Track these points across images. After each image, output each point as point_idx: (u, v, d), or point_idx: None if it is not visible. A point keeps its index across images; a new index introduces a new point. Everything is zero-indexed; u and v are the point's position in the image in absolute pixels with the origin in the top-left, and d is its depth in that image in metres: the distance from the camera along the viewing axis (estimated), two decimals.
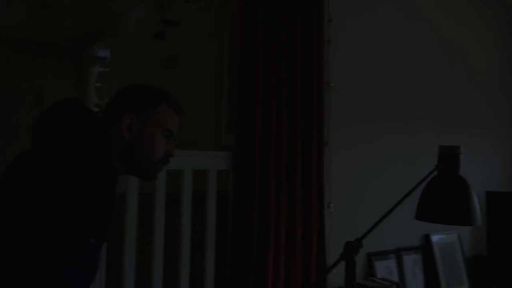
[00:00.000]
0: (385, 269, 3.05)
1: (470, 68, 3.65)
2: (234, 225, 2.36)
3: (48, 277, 1.04)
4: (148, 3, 4.74)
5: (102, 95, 5.55)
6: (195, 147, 3.69)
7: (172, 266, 2.34)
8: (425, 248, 3.30)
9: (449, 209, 1.22)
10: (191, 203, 2.27)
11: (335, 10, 2.77)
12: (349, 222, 2.75)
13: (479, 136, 3.63)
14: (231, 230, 2.37)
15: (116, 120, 1.33)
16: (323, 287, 2.53)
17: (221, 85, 3.59)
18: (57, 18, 5.41)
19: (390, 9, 3.16)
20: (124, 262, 2.10)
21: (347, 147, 2.89)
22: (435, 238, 3.34)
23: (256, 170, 2.35)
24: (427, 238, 3.33)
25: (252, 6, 2.44)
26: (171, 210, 2.33)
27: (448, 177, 1.26)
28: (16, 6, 5.07)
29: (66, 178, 1.11)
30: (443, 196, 1.23)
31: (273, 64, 2.46)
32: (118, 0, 4.82)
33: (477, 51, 3.68)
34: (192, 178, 2.31)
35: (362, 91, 2.99)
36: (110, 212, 1.22)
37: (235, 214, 2.36)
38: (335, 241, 2.69)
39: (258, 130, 2.38)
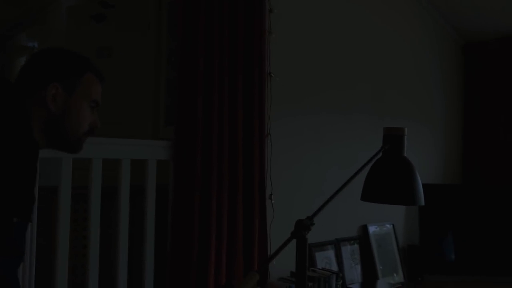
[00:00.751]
0: (325, 259, 3.08)
1: (409, 63, 3.78)
2: (174, 217, 2.29)
3: None
4: None
5: None
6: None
7: (108, 261, 2.23)
8: (362, 238, 3.38)
9: (394, 189, 1.23)
10: (128, 195, 2.17)
11: (276, 1, 2.76)
12: (289, 212, 2.75)
13: (413, 129, 3.76)
14: (171, 222, 2.29)
15: (35, 89, 1.21)
16: (265, 276, 2.51)
17: (159, 76, 3.48)
18: None
19: None
20: (57, 259, 1.97)
21: (288, 138, 2.90)
22: (371, 228, 3.43)
23: (197, 161, 2.29)
24: (364, 228, 3.41)
25: None
26: (107, 204, 2.21)
27: (393, 158, 1.27)
28: None
29: None
30: (388, 177, 1.25)
31: (214, 54, 2.41)
32: None
33: (414, 46, 3.82)
34: (129, 172, 2.21)
35: (302, 82, 3.01)
36: (32, 189, 1.14)
37: (175, 205, 2.29)
38: (276, 232, 2.69)
39: (199, 120, 2.32)
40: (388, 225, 3.57)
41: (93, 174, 2.05)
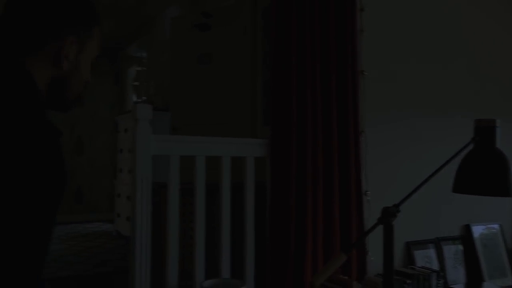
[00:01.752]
0: (425, 258, 3.03)
1: (507, 62, 3.57)
2: (272, 212, 2.41)
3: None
4: (182, 2, 4.85)
5: (140, 93, 5.69)
6: None
7: (213, 252, 2.41)
8: (466, 238, 3.25)
9: (487, 179, 1.23)
10: (229, 190, 2.33)
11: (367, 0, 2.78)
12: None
13: None
14: (269, 216, 2.42)
15: (40, 43, 0.97)
16: (363, 271, 2.54)
17: (256, 79, 3.64)
18: None
19: None
20: (168, 249, 2.18)
21: (382, 135, 2.90)
22: (476, 229, 3.29)
23: (292, 158, 2.39)
24: (467, 228, 3.29)
25: None
26: (210, 199, 2.40)
27: (485, 149, 1.27)
28: None
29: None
30: (480, 168, 1.24)
31: (306, 54, 2.49)
32: (153, 0, 4.95)
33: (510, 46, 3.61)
34: (230, 168, 2.37)
35: (396, 79, 2.99)
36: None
37: (272, 200, 2.41)
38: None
39: (293, 119, 2.42)
40: (494, 226, 3.40)
41: (197, 170, 2.23)
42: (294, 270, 2.40)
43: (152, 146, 2.09)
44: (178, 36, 4.27)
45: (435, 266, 3.03)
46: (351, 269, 2.51)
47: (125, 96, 6.57)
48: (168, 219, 2.17)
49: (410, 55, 3.06)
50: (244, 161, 2.40)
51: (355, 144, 2.62)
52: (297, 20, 2.50)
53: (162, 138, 2.16)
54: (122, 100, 6.64)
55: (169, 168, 2.16)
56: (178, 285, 2.22)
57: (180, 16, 4.39)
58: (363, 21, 2.77)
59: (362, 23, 2.77)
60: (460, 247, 3.22)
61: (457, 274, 3.16)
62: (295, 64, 2.46)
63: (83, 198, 6.49)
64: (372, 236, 2.67)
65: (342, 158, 2.58)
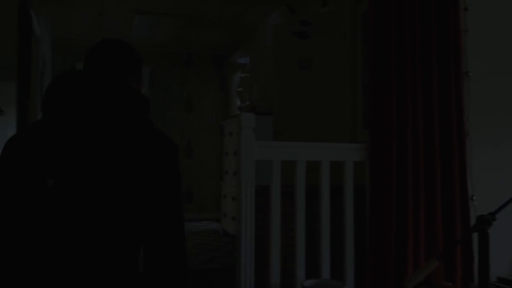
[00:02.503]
0: None
1: None
2: (371, 215, 2.44)
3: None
4: (282, 10, 5.00)
5: (243, 98, 5.95)
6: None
7: (313, 252, 2.50)
8: None
9: None
10: (329, 193, 2.40)
11: None
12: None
13: None
14: (369, 219, 2.45)
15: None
16: (469, 278, 2.47)
17: (356, 82, 3.67)
18: (202, 31, 5.96)
19: None
20: (270, 249, 2.31)
21: (490, 138, 2.78)
22: None
23: (392, 161, 2.40)
24: None
25: (384, 0, 2.51)
26: (311, 201, 2.49)
27: None
28: (167, 23, 5.72)
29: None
30: None
31: (406, 56, 2.49)
32: (255, 9, 5.16)
33: None
34: (329, 172, 2.44)
35: (503, 80, 2.85)
36: None
37: (372, 204, 2.44)
38: None
39: (393, 122, 2.43)
40: None
41: (298, 174, 2.34)
42: (395, 272, 2.41)
43: (255, 152, 2.24)
44: (279, 43, 4.42)
45: None
46: (455, 275, 2.46)
47: (230, 101, 6.90)
48: (271, 220, 2.30)
49: None
50: (343, 165, 2.46)
51: (460, 148, 2.55)
52: (396, 21, 2.50)
53: (264, 144, 2.30)
54: (227, 105, 6.97)
55: (271, 172, 2.29)
56: (280, 284, 2.35)
57: (281, 24, 4.54)
58: (467, 20, 2.69)
59: (466, 23, 2.68)
60: None
61: None
62: (394, 67, 2.46)
63: (192, 198, 6.92)
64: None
65: (444, 161, 2.53)
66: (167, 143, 1.31)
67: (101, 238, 1.20)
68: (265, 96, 5.26)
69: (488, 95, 2.79)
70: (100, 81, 1.28)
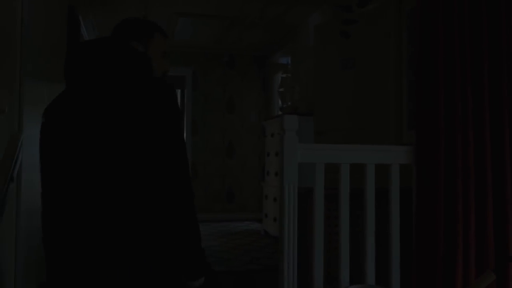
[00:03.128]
0: None
1: None
2: (418, 219, 2.38)
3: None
4: (324, 10, 4.95)
5: (284, 99, 5.93)
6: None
7: (358, 256, 2.46)
8: None
9: None
10: (374, 196, 2.36)
11: None
12: None
13: None
14: (415, 223, 2.39)
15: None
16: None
17: (401, 82, 3.58)
18: (244, 32, 5.98)
19: None
20: (313, 252, 2.29)
21: None
22: None
23: (440, 164, 2.33)
24: None
25: None
26: (355, 203, 2.45)
27: None
28: (210, 24, 5.77)
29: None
30: None
31: (455, 54, 2.40)
32: (296, 9, 5.13)
33: None
34: (374, 175, 2.40)
35: None
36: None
37: (419, 207, 2.38)
38: None
39: (440, 123, 2.35)
40: None
41: (342, 177, 2.30)
42: (443, 280, 2.33)
43: (299, 154, 2.22)
44: (321, 42, 4.37)
45: None
46: None
47: (271, 101, 6.89)
48: (314, 223, 2.28)
49: None
50: (388, 168, 2.40)
51: None
52: (444, 19, 2.42)
53: (307, 146, 2.28)
54: (269, 105, 6.97)
55: (314, 174, 2.27)
56: None
57: (323, 23, 4.49)
58: None
59: None
60: None
61: None
62: (442, 65, 2.39)
63: (234, 198, 6.97)
64: None
65: (496, 164, 2.42)
66: (161, 87, 1.49)
67: (116, 179, 1.40)
68: (306, 96, 5.23)
69: None
70: (102, 47, 1.54)
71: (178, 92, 6.82)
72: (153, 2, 4.95)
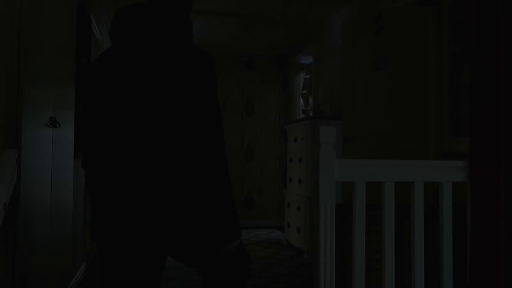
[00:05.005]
0: None
1: None
2: (474, 244, 2.05)
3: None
4: (353, 5, 4.62)
5: (308, 101, 5.61)
6: (409, 153, 3.43)
7: (402, 283, 2.14)
8: None
9: None
10: (422, 218, 2.04)
11: None
12: None
13: None
14: (471, 245, 2.06)
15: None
16: None
17: (440, 84, 3.25)
18: (264, 30, 5.68)
19: None
20: (354, 282, 1.98)
21: None
22: None
23: (500, 179, 2.00)
24: None
25: None
26: (398, 224, 2.13)
27: None
28: (229, 23, 5.48)
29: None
30: None
31: None
32: (320, 6, 4.81)
33: None
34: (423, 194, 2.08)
35: None
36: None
37: (474, 231, 2.05)
38: None
39: (500, 132, 2.03)
40: None
41: (386, 198, 1.99)
42: None
43: (336, 172, 1.92)
44: (350, 41, 4.05)
45: None
46: None
47: (292, 103, 6.58)
48: (354, 251, 1.97)
49: None
50: (439, 187, 2.08)
51: None
52: (505, 8, 2.08)
53: (346, 163, 1.97)
54: (290, 107, 6.66)
55: (353, 195, 1.96)
56: None
57: (351, 20, 4.16)
58: None
59: None
60: None
61: None
62: (503, 64, 2.05)
63: (253, 204, 6.68)
64: None
65: None
66: (204, 54, 1.62)
67: (149, 131, 1.49)
68: (331, 98, 4.90)
69: None
70: (152, 12, 1.62)
71: None
72: None
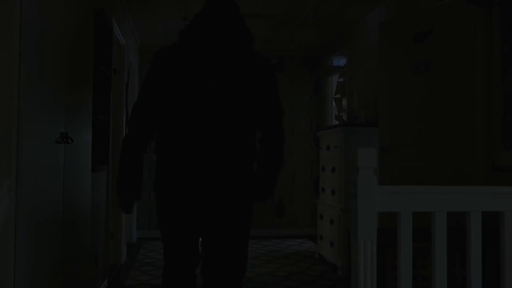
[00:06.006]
0: None
1: None
2: None
3: None
4: (389, 4, 4.30)
5: (341, 106, 5.31)
6: (454, 166, 3.10)
7: None
8: None
9: None
10: (480, 253, 1.74)
11: None
12: None
13: None
14: None
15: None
16: None
17: (491, 90, 2.91)
18: (295, 32, 5.40)
19: None
20: None
21: None
22: None
23: None
24: None
25: None
26: (449, 256, 1.83)
27: None
28: (257, 24, 5.23)
29: None
30: None
31: None
32: (354, 5, 4.51)
33: None
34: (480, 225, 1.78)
35: None
36: None
37: None
38: None
39: None
40: None
41: (436, 229, 1.70)
42: None
43: (377, 201, 1.64)
44: (387, 43, 3.74)
45: None
46: None
47: (324, 107, 6.28)
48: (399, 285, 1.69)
49: None
50: (500, 216, 1.77)
51: None
52: None
53: (390, 190, 1.68)
54: (322, 111, 6.36)
55: (398, 227, 1.68)
56: None
57: (389, 20, 3.85)
58: None
59: None
60: None
61: None
62: None
63: (284, 212, 6.41)
64: None
65: None
66: (267, 62, 2.11)
67: (230, 115, 1.96)
68: (367, 104, 4.59)
69: None
70: (225, 21, 2.00)
71: None
72: (194, 1, 4.46)
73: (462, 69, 3.13)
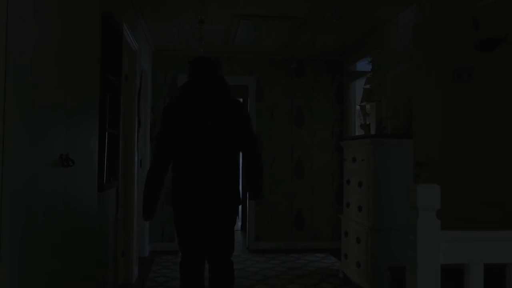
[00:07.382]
0: None
1: None
2: None
3: None
4: (420, 4, 3.95)
5: (367, 115, 4.96)
6: (499, 187, 2.75)
7: None
8: None
9: None
10: None
11: None
12: None
13: None
14: None
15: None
16: None
17: None
18: (316, 34, 5.08)
19: None
20: None
21: None
22: None
23: None
24: None
25: None
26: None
27: None
28: (276, 27, 4.92)
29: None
30: None
31: None
32: (382, 6, 4.17)
33: None
34: None
35: None
36: None
37: None
38: None
39: None
40: None
41: (471, 284, 1.36)
42: None
43: (441, 250, 1.31)
44: (422, 47, 3.40)
45: None
46: None
47: (348, 115, 5.94)
48: None
49: None
50: None
51: None
52: None
53: (455, 237, 1.35)
54: (345, 119, 6.02)
55: (466, 283, 1.35)
56: None
57: (424, 22, 3.51)
58: None
59: None
60: None
61: None
62: None
63: (304, 224, 6.08)
64: None
65: None
66: (241, 104, 2.94)
67: (223, 145, 2.75)
68: (396, 112, 4.24)
69: None
70: (210, 79, 2.82)
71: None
72: (210, 4, 4.17)
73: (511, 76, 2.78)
